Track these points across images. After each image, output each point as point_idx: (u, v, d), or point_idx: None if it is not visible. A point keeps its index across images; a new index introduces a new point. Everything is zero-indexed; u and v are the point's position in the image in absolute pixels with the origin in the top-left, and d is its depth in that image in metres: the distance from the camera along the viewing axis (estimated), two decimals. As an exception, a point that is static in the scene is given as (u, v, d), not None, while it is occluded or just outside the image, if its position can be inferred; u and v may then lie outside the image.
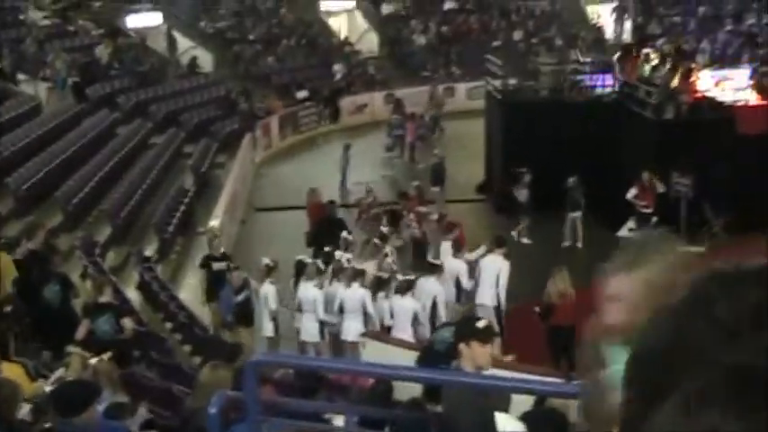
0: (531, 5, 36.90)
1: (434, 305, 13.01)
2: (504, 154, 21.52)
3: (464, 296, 14.22)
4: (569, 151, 19.34)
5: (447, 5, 36.95)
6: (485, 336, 5.17)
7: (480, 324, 5.37)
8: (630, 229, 18.56)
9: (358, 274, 13.19)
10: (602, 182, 18.67)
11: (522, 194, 19.03)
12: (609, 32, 35.32)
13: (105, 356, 7.68)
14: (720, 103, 20.15)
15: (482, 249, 14.48)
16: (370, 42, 35.83)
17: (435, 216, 17.70)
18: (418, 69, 34.26)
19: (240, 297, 13.44)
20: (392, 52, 35.55)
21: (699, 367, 0.74)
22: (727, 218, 17.87)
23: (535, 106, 21.75)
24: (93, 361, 7.42)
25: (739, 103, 20.28)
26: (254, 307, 13.56)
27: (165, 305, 14.18)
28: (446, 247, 15.08)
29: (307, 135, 29.99)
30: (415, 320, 12.77)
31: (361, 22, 36.54)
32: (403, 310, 12.80)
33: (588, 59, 26.69)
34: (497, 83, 23.30)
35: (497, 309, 13.63)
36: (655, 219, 17.68)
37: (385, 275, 13.77)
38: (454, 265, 14.19)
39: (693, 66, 22.45)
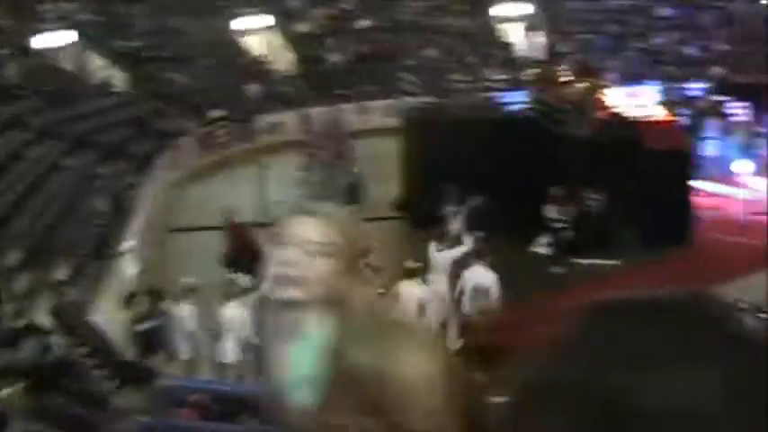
0: (445, 23, 37.27)
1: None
2: (419, 171, 21.67)
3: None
4: (483, 169, 19.57)
5: (362, 24, 37.14)
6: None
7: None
8: (546, 244, 18.87)
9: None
10: (516, 199, 18.91)
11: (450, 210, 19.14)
12: (521, 50, 35.85)
13: (17, 387, 7.53)
14: (629, 120, 20.60)
15: None
16: (285, 61, 35.82)
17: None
18: (333, 88, 34.33)
19: (143, 326, 13.20)
20: (308, 71, 35.58)
21: (577, 400, 0.77)
22: (639, 232, 18.29)
23: (449, 124, 21.96)
24: (4, 393, 7.26)
25: (648, 120, 20.76)
26: (167, 331, 13.40)
27: (79, 329, 13.93)
28: None
29: (222, 155, 29.80)
30: None
31: (276, 40, 36.51)
32: None
33: (502, 77, 27.14)
34: (411, 101, 23.49)
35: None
36: (570, 234, 18.02)
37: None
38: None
39: (603, 83, 22.96)
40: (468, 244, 15.75)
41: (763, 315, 13.10)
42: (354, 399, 2.05)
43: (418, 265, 14.32)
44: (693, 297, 0.86)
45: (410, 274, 13.92)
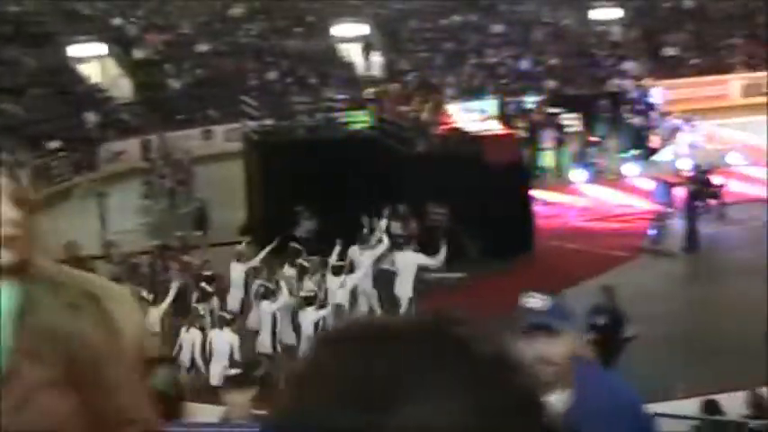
0: (284, 45, 37.30)
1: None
2: (264, 195, 21.58)
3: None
4: (328, 188, 19.63)
5: (200, 48, 36.77)
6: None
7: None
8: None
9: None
10: (361, 216, 19.02)
11: (303, 232, 19.05)
12: (361, 70, 36.22)
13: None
14: (469, 135, 21.02)
15: None
16: (123, 88, 35.08)
17: (199, 262, 17.54)
18: (174, 114, 33.85)
19: None
20: (147, 97, 34.97)
21: None
22: (482, 243, 18.68)
23: (292, 145, 21.96)
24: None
25: (486, 133, 21.22)
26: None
27: None
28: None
29: (61, 186, 28.92)
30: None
31: (112, 67, 35.74)
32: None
33: (342, 96, 27.30)
34: (254, 124, 23.38)
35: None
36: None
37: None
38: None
39: (442, 99, 23.38)
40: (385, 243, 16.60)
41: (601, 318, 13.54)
42: (44, 369, 1.95)
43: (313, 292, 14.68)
44: (437, 320, 0.85)
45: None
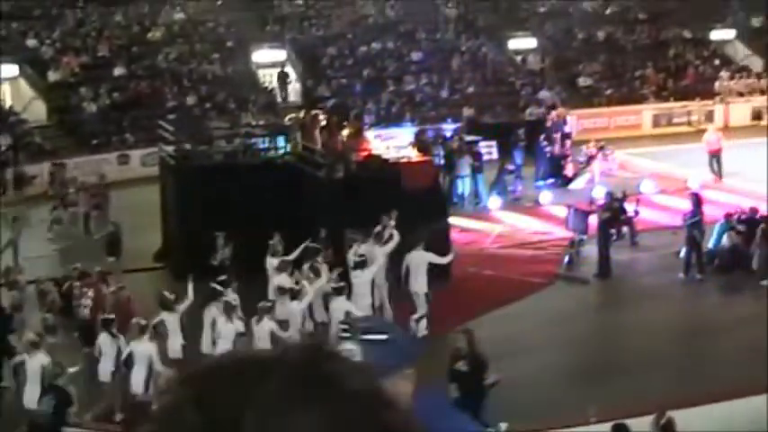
0: (203, 70, 37.09)
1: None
2: (180, 220, 21.37)
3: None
4: (245, 215, 19.52)
5: (117, 71, 36.32)
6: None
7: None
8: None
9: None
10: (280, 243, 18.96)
11: (221, 258, 18.84)
12: (280, 96, 36.18)
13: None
14: (386, 161, 21.11)
15: None
16: (36, 111, 34.45)
17: (113, 288, 17.25)
18: (90, 138, 33.36)
19: None
20: (62, 120, 34.41)
21: None
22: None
23: (210, 171, 21.80)
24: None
25: (404, 161, 21.33)
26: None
27: None
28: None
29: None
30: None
31: (26, 90, 35.11)
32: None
33: (261, 122, 27.21)
34: (171, 149, 23.17)
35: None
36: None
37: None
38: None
39: (360, 126, 23.42)
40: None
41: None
42: None
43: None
44: (310, 355, 0.84)
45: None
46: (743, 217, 20.99)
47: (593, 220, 21.23)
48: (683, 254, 20.18)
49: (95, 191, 27.12)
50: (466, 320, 17.54)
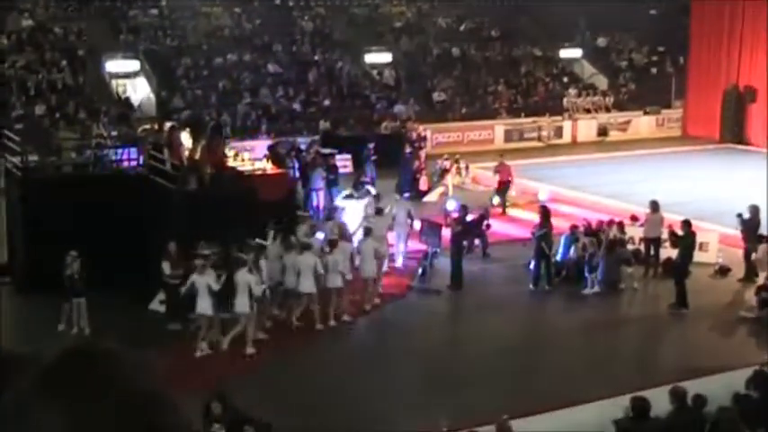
0: (53, 79, 36.05)
1: None
2: (26, 234, 20.70)
3: None
4: (95, 228, 19.09)
5: (-39, 79, 34.98)
6: None
7: None
8: (161, 302, 18.68)
9: None
10: (130, 256, 18.62)
11: (69, 272, 18.28)
12: (133, 106, 35.50)
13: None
14: (241, 173, 20.98)
15: None
16: None
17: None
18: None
19: None
20: None
21: None
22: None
23: (58, 182, 21.22)
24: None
25: (259, 173, 21.25)
26: None
27: None
28: None
29: None
30: None
31: None
32: None
33: (113, 133, 26.66)
34: (17, 159, 22.45)
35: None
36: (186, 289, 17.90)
37: None
38: None
39: (215, 137, 23.17)
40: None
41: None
42: None
43: None
44: (84, 354, 0.84)
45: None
46: (589, 230, 21.71)
47: (446, 232, 21.62)
48: (532, 265, 20.75)
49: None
50: (313, 337, 17.63)
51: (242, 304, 16.69)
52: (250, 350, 16.64)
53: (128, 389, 0.83)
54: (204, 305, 16.74)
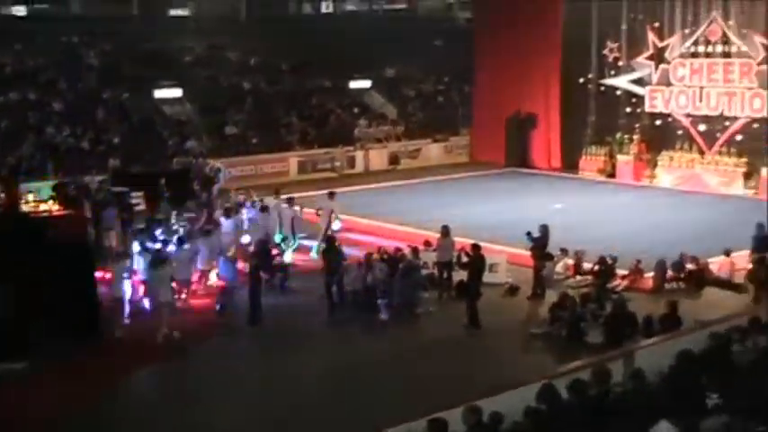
0: None
1: None
2: None
3: None
4: None
5: None
6: None
7: None
8: None
9: None
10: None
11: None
12: None
13: None
14: (28, 213, 20.32)
15: None
16: None
17: None
18: None
19: None
20: None
21: None
22: (47, 325, 17.91)
23: None
24: None
25: (48, 214, 20.57)
26: None
27: None
28: None
29: None
30: None
31: None
32: None
33: None
34: None
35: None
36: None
37: None
38: None
39: (11, 179, 22.35)
40: None
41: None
42: None
43: None
44: None
45: None
46: (385, 256, 22.11)
47: (243, 266, 21.55)
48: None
49: None
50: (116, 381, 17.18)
51: None
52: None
53: None
54: None
